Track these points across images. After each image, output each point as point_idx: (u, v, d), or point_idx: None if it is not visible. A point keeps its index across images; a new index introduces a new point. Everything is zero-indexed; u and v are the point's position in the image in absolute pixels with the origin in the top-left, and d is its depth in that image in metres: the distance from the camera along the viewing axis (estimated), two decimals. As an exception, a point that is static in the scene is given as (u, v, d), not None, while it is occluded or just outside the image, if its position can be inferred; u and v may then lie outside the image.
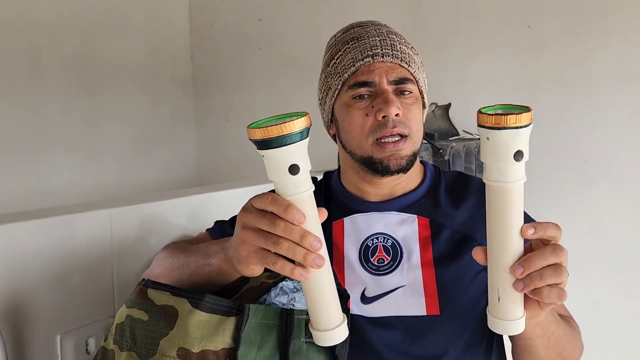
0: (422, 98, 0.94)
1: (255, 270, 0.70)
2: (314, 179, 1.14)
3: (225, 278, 0.77)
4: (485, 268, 0.88)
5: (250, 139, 0.63)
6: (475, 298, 0.88)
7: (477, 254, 0.70)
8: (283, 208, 0.62)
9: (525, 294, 0.68)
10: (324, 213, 0.67)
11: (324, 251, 0.65)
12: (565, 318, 0.94)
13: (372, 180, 0.94)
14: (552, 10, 1.99)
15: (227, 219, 1.08)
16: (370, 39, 0.90)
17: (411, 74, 0.90)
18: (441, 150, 1.60)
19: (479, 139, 0.66)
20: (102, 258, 1.10)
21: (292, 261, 0.64)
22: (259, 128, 0.61)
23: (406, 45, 0.92)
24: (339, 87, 0.92)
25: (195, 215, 1.34)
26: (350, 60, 0.90)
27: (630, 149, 1.91)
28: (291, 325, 0.73)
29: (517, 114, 0.60)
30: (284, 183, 0.63)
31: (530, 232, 0.65)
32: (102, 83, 2.51)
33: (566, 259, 0.67)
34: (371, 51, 0.88)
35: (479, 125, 0.63)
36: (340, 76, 0.91)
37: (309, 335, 0.73)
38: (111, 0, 2.52)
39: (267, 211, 0.64)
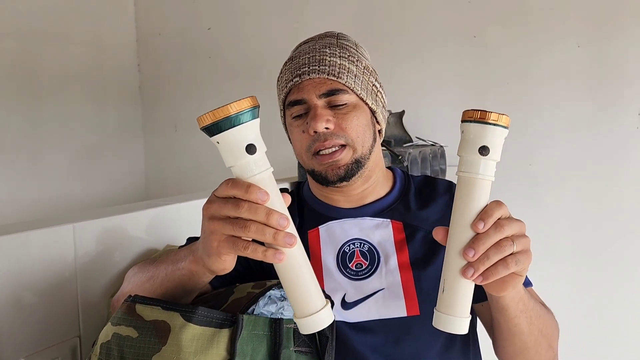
0: (367, 104, 0.95)
1: (227, 261, 0.68)
2: (284, 189, 1.15)
3: (196, 280, 0.75)
4: None
5: (201, 128, 0.62)
6: None
7: (437, 233, 0.71)
8: (244, 189, 0.61)
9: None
10: (288, 198, 0.66)
11: (292, 229, 0.63)
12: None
13: (332, 189, 0.96)
14: (497, 22, 2.09)
15: (196, 231, 1.06)
16: (301, 58, 0.94)
17: (342, 84, 0.92)
18: (400, 157, 1.63)
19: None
20: (66, 275, 1.05)
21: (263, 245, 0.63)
22: (209, 112, 0.61)
23: (340, 57, 0.93)
24: (282, 107, 0.98)
25: (159, 228, 1.30)
26: (285, 82, 0.95)
27: (572, 152, 2.02)
28: (281, 334, 0.72)
29: (486, 111, 0.65)
30: (242, 165, 0.62)
31: (481, 227, 0.65)
32: (43, 93, 2.40)
33: (515, 227, 0.67)
34: (299, 70, 0.92)
35: (462, 121, 0.68)
36: (280, 97, 0.97)
37: (298, 344, 0.73)
38: (53, 7, 2.42)
39: (230, 197, 0.63)
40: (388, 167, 1.08)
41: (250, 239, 0.63)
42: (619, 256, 1.97)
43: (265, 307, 0.74)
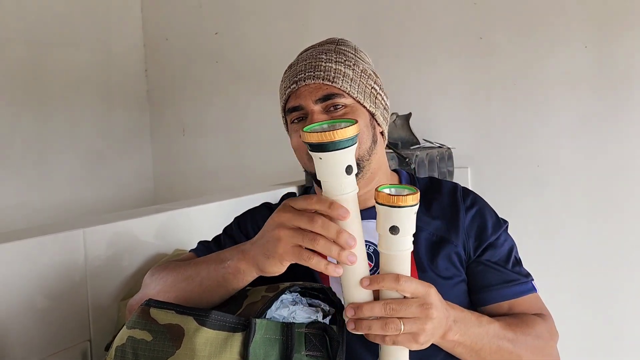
0: (365, 106, 0.96)
1: (283, 266, 0.73)
2: (292, 194, 1.15)
3: (241, 278, 0.78)
4: (464, 280, 0.96)
5: (307, 142, 0.69)
6: (456, 303, 0.90)
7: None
8: (327, 205, 0.68)
9: None
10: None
11: (359, 249, 0.71)
12: (525, 319, 0.94)
13: None
14: (503, 23, 2.09)
15: (204, 235, 1.07)
16: (299, 65, 0.96)
17: (338, 88, 0.93)
18: (407, 159, 1.63)
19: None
20: (76, 280, 1.06)
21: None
22: (319, 132, 0.67)
23: (336, 62, 0.95)
24: (283, 114, 1.00)
25: (168, 232, 1.31)
26: (283, 89, 0.98)
27: (579, 151, 2.01)
28: (292, 339, 0.72)
29: (391, 195, 0.70)
30: (337, 183, 0.69)
31: (366, 284, 0.72)
32: (52, 98, 2.41)
33: (404, 312, 0.72)
34: (296, 77, 0.95)
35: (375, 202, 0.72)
36: (280, 104, 1.00)
37: (309, 348, 0.73)
38: (61, 13, 2.44)
39: (307, 211, 0.70)
40: (394, 170, 1.08)
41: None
42: (627, 258, 1.96)
43: (278, 311, 0.75)
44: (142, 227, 1.24)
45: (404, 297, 0.73)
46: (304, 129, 0.70)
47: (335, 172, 0.69)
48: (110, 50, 2.65)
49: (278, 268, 0.73)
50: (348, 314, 0.73)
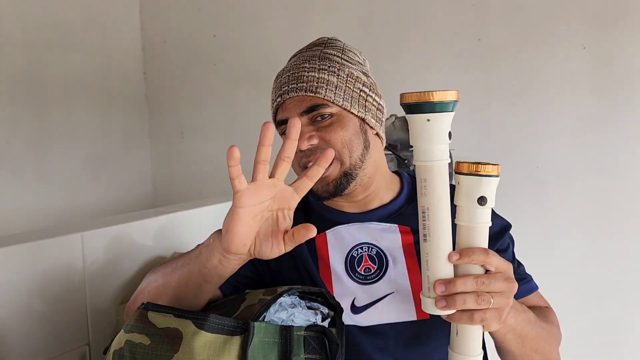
0: (352, 112, 0.94)
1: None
2: None
3: (227, 265, 0.78)
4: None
5: (410, 104, 0.71)
6: None
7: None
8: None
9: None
10: (313, 230, 0.73)
11: (445, 221, 0.73)
12: (543, 311, 0.98)
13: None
14: (501, 24, 2.09)
15: (203, 238, 1.06)
16: (283, 76, 0.96)
17: (322, 98, 0.92)
18: (406, 161, 1.63)
19: None
20: (75, 283, 1.05)
21: None
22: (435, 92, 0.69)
23: (319, 69, 0.93)
24: (275, 124, 0.98)
25: (167, 235, 1.31)
26: (272, 101, 0.98)
27: (578, 152, 2.01)
28: (291, 342, 0.72)
29: (479, 164, 0.71)
30: (441, 149, 0.70)
31: (455, 258, 0.71)
32: (50, 102, 2.41)
33: (493, 286, 0.71)
34: (281, 90, 0.95)
35: (456, 172, 0.74)
36: (271, 114, 1.00)
37: (308, 351, 0.73)
38: (59, 17, 2.44)
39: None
40: (394, 172, 1.08)
41: None
42: (626, 256, 1.96)
43: (276, 314, 0.74)
44: (141, 231, 1.24)
45: (486, 272, 0.73)
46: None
47: (440, 138, 0.70)
48: (109, 53, 2.65)
49: (236, 235, 0.73)
50: (438, 291, 0.70)
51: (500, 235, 1.00)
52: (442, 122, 0.69)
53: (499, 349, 0.90)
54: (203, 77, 2.65)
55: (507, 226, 1.02)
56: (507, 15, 2.08)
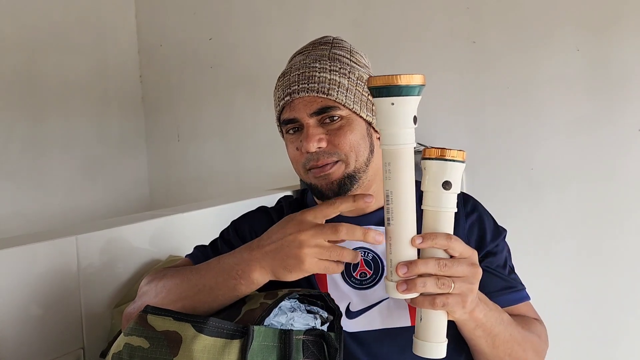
0: (360, 116, 0.94)
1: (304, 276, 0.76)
2: (288, 197, 1.15)
3: (253, 287, 0.78)
4: None
5: (377, 87, 0.69)
6: None
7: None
8: (351, 200, 0.76)
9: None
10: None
11: (409, 205, 0.71)
12: (527, 320, 0.96)
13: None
14: (496, 27, 2.09)
15: (199, 241, 1.07)
16: (292, 74, 0.93)
17: (333, 100, 0.91)
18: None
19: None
20: (69, 287, 1.05)
21: None
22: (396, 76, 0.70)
23: (331, 70, 0.93)
24: (278, 123, 0.98)
25: (162, 238, 1.31)
26: (278, 99, 0.95)
27: (572, 154, 2.01)
28: (290, 346, 0.72)
29: (445, 149, 0.72)
30: (405, 133, 0.70)
31: (418, 242, 0.70)
32: (47, 105, 2.41)
33: (456, 269, 0.71)
34: (290, 89, 0.92)
35: (422, 158, 0.73)
36: (275, 113, 0.98)
37: (307, 355, 0.73)
38: (56, 19, 2.44)
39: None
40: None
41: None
42: (621, 258, 1.96)
43: (276, 318, 0.74)
44: (136, 234, 1.24)
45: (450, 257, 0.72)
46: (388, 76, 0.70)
47: (404, 122, 0.69)
48: (105, 56, 2.65)
49: (299, 278, 0.75)
50: (400, 272, 0.69)
51: (495, 239, 1.00)
52: (407, 105, 0.69)
53: (471, 348, 0.88)
54: (199, 80, 2.65)
55: (503, 231, 1.03)
56: (501, 18, 2.09)
